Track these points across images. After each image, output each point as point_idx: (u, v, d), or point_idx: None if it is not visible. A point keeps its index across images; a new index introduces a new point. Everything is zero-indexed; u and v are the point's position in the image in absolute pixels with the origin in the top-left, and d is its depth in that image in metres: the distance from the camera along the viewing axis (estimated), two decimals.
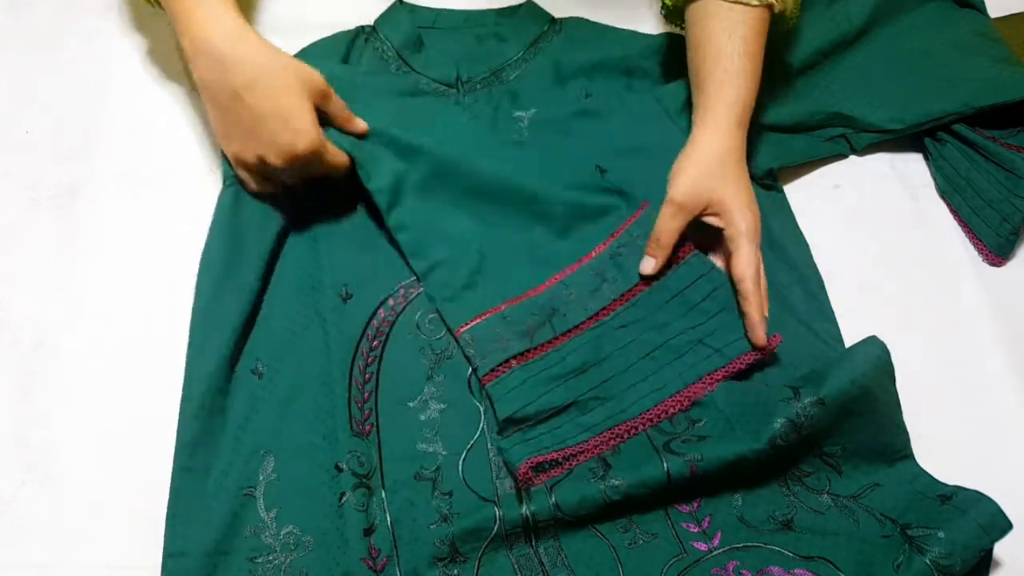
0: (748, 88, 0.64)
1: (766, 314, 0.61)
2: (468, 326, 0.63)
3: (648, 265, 0.63)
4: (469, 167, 0.67)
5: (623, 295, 0.64)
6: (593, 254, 0.66)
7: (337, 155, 0.64)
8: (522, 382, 0.61)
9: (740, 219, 0.61)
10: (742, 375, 0.61)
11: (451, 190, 0.67)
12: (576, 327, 0.63)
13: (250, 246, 0.65)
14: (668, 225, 0.62)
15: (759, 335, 0.60)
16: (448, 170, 0.67)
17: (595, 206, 0.67)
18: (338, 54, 0.77)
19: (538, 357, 0.62)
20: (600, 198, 0.68)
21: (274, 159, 0.62)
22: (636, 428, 0.60)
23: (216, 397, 0.61)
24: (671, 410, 0.60)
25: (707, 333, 0.62)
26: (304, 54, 0.76)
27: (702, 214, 0.63)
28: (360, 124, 0.66)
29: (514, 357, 0.61)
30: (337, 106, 0.64)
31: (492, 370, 0.61)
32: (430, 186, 0.67)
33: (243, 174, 0.65)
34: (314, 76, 0.62)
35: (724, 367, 0.61)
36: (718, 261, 0.64)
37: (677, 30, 0.74)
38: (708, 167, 0.62)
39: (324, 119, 0.64)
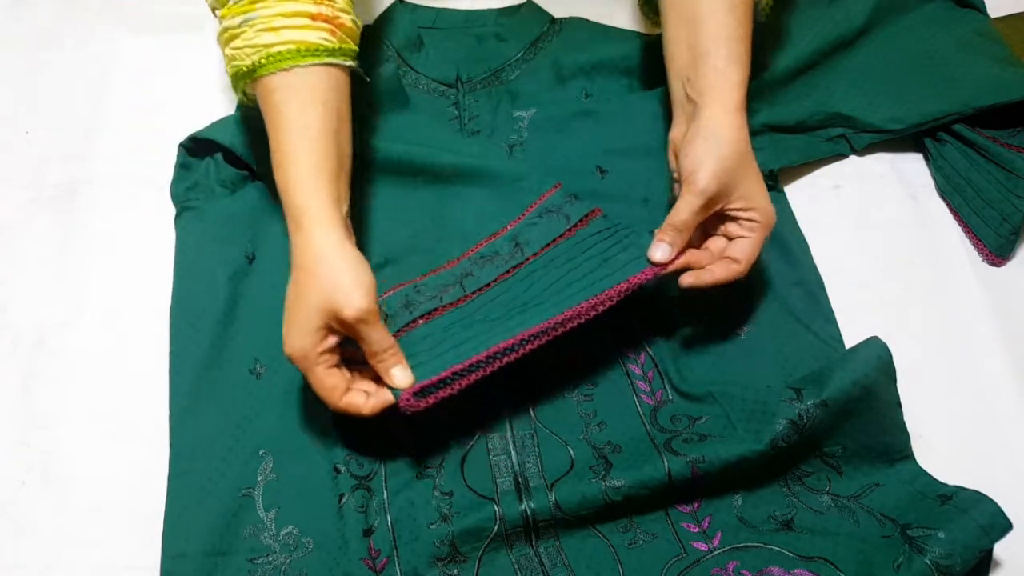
0: (747, 69, 0.62)
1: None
2: (381, 297, 0.62)
3: (662, 252, 0.59)
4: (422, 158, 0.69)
5: (536, 252, 0.63)
6: (509, 227, 0.66)
7: (329, 388, 0.55)
8: (427, 335, 0.59)
9: (766, 211, 0.60)
10: (740, 373, 0.62)
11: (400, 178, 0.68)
12: (486, 285, 0.62)
13: (222, 248, 0.67)
14: (693, 219, 0.59)
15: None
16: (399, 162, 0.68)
17: (511, 177, 0.69)
18: None
19: (445, 313, 0.61)
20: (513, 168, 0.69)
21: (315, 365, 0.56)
22: (520, 347, 0.56)
23: (205, 395, 0.61)
24: (557, 328, 0.56)
25: (610, 265, 0.60)
26: None
27: (726, 206, 0.60)
28: (399, 380, 0.56)
29: (422, 316, 0.60)
30: (373, 346, 0.55)
31: (399, 329, 0.59)
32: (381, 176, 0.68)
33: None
34: (347, 306, 0.53)
35: (622, 282, 0.58)
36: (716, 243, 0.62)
37: (650, 25, 0.73)
38: (732, 157, 0.59)
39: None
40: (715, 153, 0.59)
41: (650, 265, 0.59)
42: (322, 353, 0.55)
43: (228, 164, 0.70)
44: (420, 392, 0.55)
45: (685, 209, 0.59)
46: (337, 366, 0.56)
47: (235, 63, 0.59)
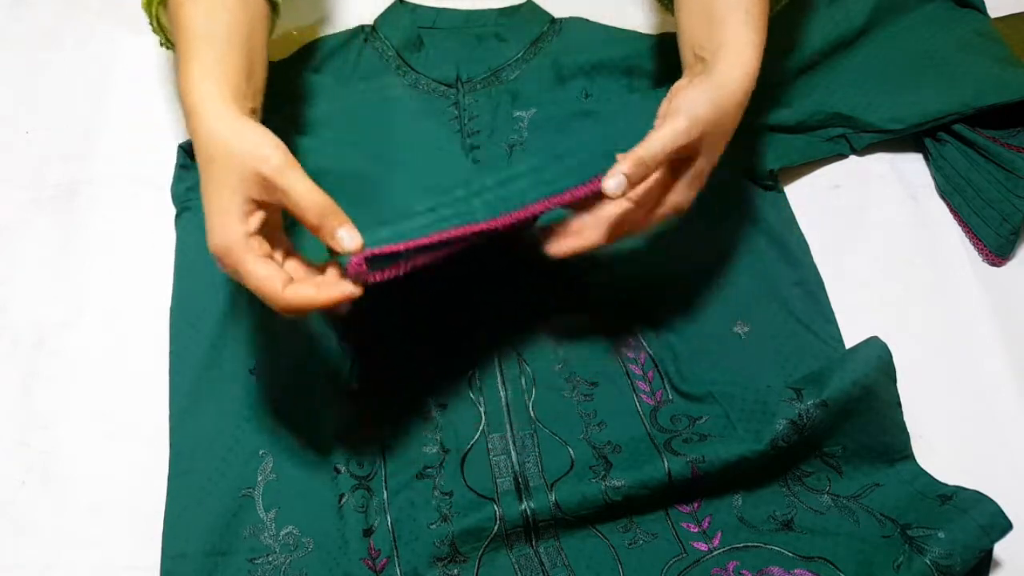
0: (763, 37, 0.56)
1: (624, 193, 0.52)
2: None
3: (616, 183, 0.51)
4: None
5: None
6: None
7: (264, 278, 0.48)
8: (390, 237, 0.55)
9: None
10: (740, 373, 0.62)
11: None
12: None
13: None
14: (664, 155, 0.52)
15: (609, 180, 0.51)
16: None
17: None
18: (338, 54, 0.77)
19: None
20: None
21: (236, 248, 0.49)
22: (475, 231, 0.53)
23: (205, 395, 0.61)
24: (516, 218, 0.54)
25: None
26: (304, 52, 0.76)
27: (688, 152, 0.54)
28: (347, 242, 0.49)
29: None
30: (300, 201, 0.48)
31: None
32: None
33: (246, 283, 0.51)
34: (254, 169, 0.48)
35: (564, 192, 0.54)
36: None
37: (661, 9, 0.73)
38: (725, 113, 0.54)
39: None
40: (716, 100, 0.53)
41: (591, 185, 0.52)
42: (250, 237, 0.48)
43: None
44: (372, 260, 0.48)
45: (658, 142, 0.51)
46: (270, 256, 0.50)
47: None
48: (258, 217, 0.49)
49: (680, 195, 0.56)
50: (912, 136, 0.74)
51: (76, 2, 0.82)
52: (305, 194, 0.48)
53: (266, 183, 0.48)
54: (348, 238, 0.48)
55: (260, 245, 0.49)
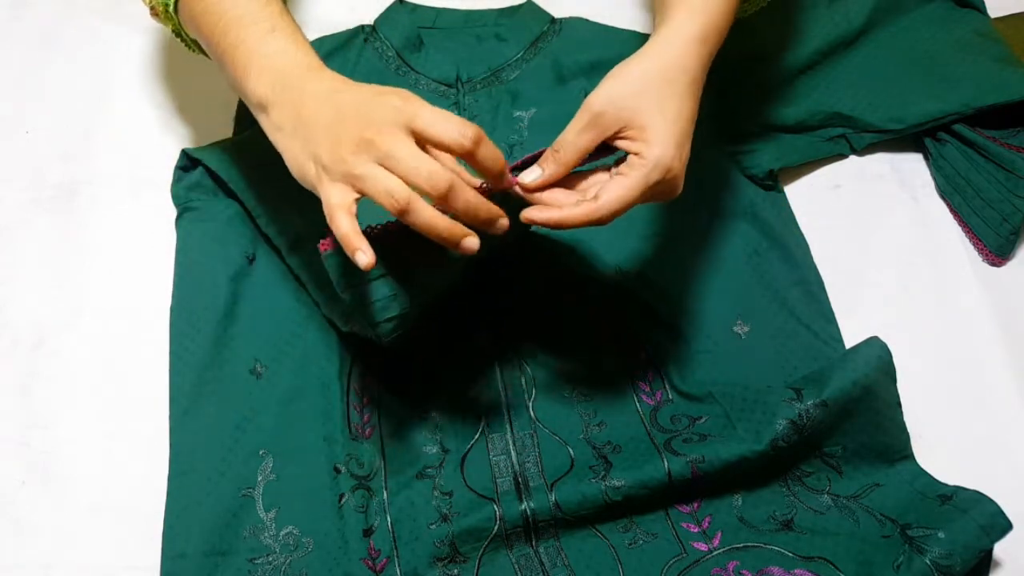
0: (720, 5, 0.53)
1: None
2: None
3: (530, 175, 0.51)
4: None
5: None
6: None
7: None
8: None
9: (656, 150, 0.49)
10: (740, 373, 0.62)
11: None
12: None
13: (223, 249, 0.67)
14: (575, 140, 0.50)
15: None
16: None
17: None
18: (338, 54, 0.77)
19: None
20: None
21: (390, 134, 0.46)
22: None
23: (205, 395, 0.61)
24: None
25: None
26: None
27: (616, 135, 0.50)
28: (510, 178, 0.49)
29: None
30: (453, 120, 0.47)
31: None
32: None
33: (372, 185, 0.46)
34: (403, 101, 0.47)
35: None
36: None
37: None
38: (644, 80, 0.50)
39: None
40: (624, 69, 0.51)
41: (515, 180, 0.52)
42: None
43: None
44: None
45: (570, 127, 0.51)
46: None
47: None
48: None
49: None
50: (912, 136, 0.74)
51: (76, 2, 0.82)
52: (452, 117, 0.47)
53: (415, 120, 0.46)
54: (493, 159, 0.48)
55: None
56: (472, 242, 0.47)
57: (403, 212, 0.45)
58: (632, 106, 0.50)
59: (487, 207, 0.47)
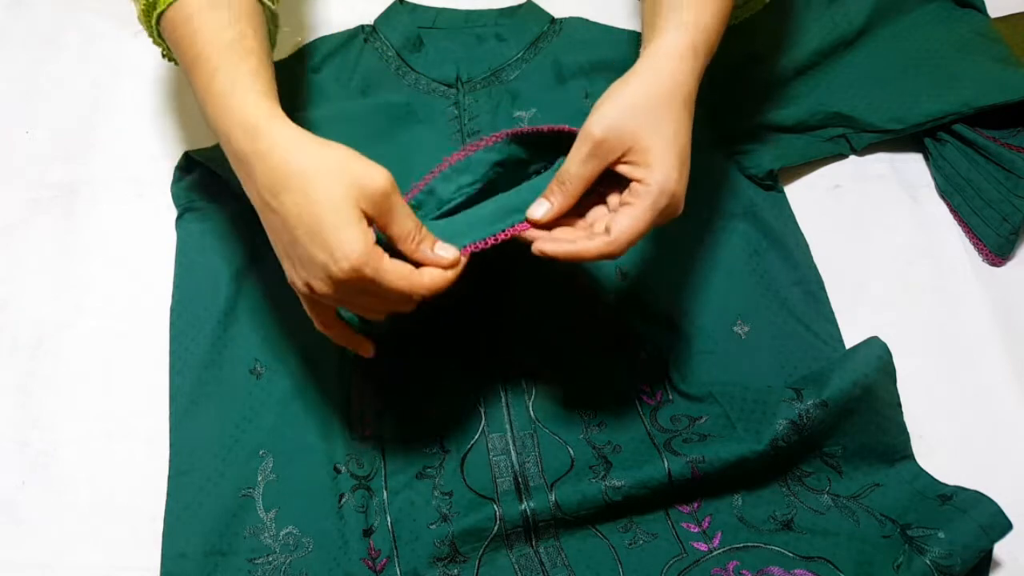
0: (712, 12, 0.52)
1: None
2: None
3: (540, 210, 0.51)
4: None
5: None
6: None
7: (403, 276, 0.47)
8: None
9: (659, 177, 0.48)
10: (740, 373, 0.62)
11: None
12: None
13: (223, 249, 0.67)
14: (579, 171, 0.50)
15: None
16: None
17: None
18: (338, 54, 0.77)
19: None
20: None
21: (318, 285, 0.47)
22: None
23: (205, 395, 0.61)
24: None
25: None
26: (304, 52, 0.76)
27: (618, 161, 0.50)
28: (447, 255, 0.49)
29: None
30: (404, 224, 0.48)
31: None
32: None
33: (308, 309, 0.52)
34: (370, 178, 0.46)
35: (499, 233, 0.52)
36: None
37: None
38: (640, 101, 0.49)
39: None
40: (619, 91, 0.50)
41: (526, 221, 0.52)
42: (375, 246, 0.46)
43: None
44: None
45: (572, 157, 0.50)
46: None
47: None
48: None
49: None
50: (912, 136, 0.74)
51: (76, 2, 0.82)
52: (409, 216, 0.48)
53: (381, 202, 0.47)
54: (445, 251, 0.49)
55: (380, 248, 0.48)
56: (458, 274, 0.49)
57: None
58: (632, 128, 0.49)
59: (454, 275, 0.49)
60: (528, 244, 0.51)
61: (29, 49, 0.79)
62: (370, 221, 0.47)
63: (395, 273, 0.47)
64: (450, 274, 0.49)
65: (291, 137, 0.48)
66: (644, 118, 0.49)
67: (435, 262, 0.49)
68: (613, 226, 0.49)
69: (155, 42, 0.61)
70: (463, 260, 0.50)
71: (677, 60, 0.50)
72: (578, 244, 0.49)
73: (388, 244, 0.49)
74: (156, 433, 0.61)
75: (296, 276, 0.49)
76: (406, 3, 0.80)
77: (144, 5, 0.56)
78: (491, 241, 0.51)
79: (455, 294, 0.51)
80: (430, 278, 0.48)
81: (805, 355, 0.64)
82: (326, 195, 0.46)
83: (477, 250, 0.51)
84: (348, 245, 0.45)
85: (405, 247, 0.48)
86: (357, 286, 0.47)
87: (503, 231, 0.52)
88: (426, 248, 0.49)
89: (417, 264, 0.49)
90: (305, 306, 0.52)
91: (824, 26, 0.75)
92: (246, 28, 0.53)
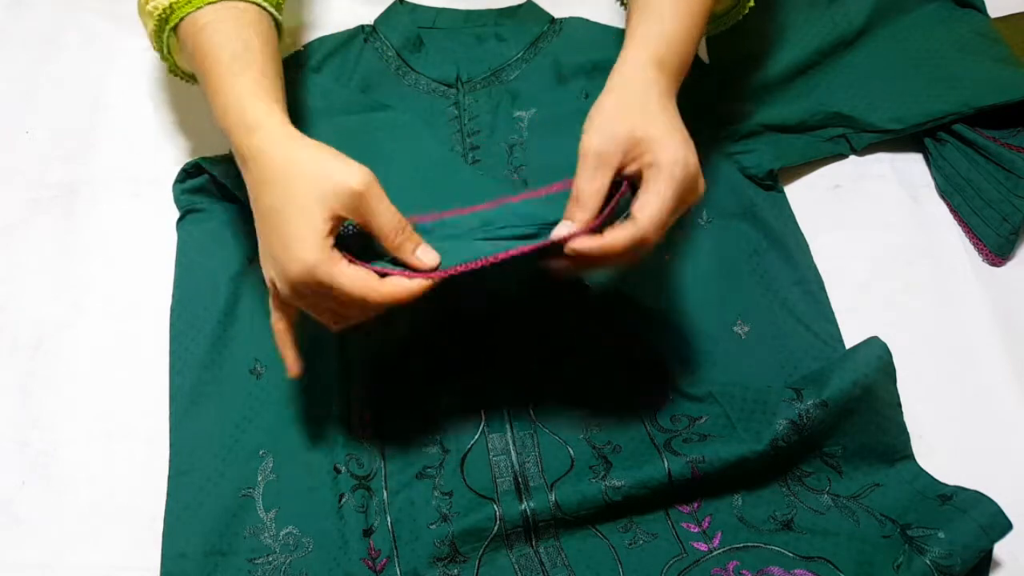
0: (674, 26, 0.54)
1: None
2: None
3: (564, 229, 0.51)
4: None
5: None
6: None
7: (360, 281, 0.49)
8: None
9: (667, 149, 0.49)
10: (740, 373, 0.62)
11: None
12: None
13: (223, 249, 0.67)
14: (589, 185, 0.50)
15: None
16: None
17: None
18: (338, 54, 0.77)
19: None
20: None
21: (280, 283, 0.51)
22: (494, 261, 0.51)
23: (205, 395, 0.61)
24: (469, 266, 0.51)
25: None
26: (304, 52, 0.76)
27: (625, 164, 0.51)
28: (426, 259, 0.50)
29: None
30: (384, 223, 0.49)
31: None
32: None
33: (271, 305, 0.55)
34: (342, 177, 0.48)
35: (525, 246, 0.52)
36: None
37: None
38: (623, 107, 0.51)
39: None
40: (597, 108, 0.52)
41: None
42: (333, 249, 0.48)
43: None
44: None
45: (580, 175, 0.51)
46: (352, 261, 0.50)
47: (155, 7, 0.59)
48: (332, 238, 0.50)
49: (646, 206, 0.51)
50: (912, 136, 0.74)
51: (76, 2, 0.82)
52: (390, 214, 0.49)
53: (355, 202, 0.48)
54: (426, 256, 0.50)
55: (341, 255, 0.50)
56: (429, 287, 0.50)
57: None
58: (626, 129, 0.51)
59: (419, 287, 0.50)
60: (534, 260, 0.52)
61: (29, 49, 0.80)
62: (343, 220, 0.49)
63: (350, 278, 0.48)
64: (413, 285, 0.49)
65: (280, 136, 0.51)
66: (633, 117, 0.51)
67: (413, 263, 0.50)
68: (637, 212, 0.49)
69: (163, 58, 0.64)
70: (432, 281, 0.50)
71: (642, 71, 0.53)
72: (607, 236, 0.50)
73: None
74: (156, 433, 0.61)
75: (265, 272, 0.52)
76: (406, 3, 0.80)
77: (156, 22, 0.60)
78: (502, 256, 0.51)
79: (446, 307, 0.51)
80: (390, 287, 0.49)
81: (805, 355, 0.64)
82: (299, 194, 0.48)
83: (477, 267, 0.50)
84: (301, 246, 0.48)
85: (387, 244, 0.50)
86: (312, 288, 0.49)
87: (525, 246, 0.51)
88: (407, 247, 0.50)
89: (409, 267, 0.51)
90: (271, 302, 0.55)
91: (824, 26, 0.75)
92: (253, 37, 0.57)
